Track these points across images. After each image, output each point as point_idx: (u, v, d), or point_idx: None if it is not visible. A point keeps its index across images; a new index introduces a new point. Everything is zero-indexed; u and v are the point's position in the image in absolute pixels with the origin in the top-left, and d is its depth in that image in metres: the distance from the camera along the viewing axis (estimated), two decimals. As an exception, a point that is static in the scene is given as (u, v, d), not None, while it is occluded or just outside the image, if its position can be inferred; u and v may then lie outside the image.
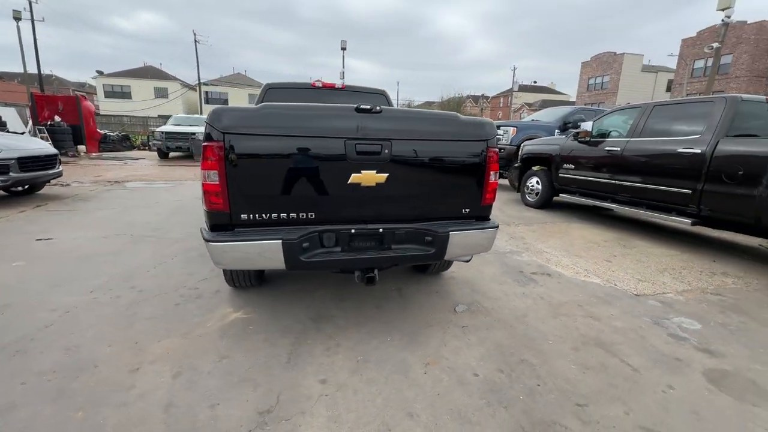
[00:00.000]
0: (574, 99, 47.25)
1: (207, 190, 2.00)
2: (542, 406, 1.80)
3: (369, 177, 2.14)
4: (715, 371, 2.12)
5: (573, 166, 5.85)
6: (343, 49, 22.92)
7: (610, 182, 5.19)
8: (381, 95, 4.23)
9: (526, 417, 1.73)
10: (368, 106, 2.08)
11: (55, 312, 2.51)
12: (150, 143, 18.36)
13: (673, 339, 2.45)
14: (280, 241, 1.99)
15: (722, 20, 11.12)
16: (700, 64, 30.56)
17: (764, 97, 4.22)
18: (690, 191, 4.17)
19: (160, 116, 27.98)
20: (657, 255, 4.20)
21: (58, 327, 2.33)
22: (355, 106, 2.09)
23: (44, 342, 2.16)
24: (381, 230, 2.22)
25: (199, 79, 33.86)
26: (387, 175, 2.15)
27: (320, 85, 4.06)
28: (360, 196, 2.17)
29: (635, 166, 4.87)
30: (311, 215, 2.15)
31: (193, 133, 12.91)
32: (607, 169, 5.24)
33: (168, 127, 14.12)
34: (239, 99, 38.64)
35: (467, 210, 2.40)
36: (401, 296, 2.93)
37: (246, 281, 2.81)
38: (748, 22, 27.78)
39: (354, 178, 2.12)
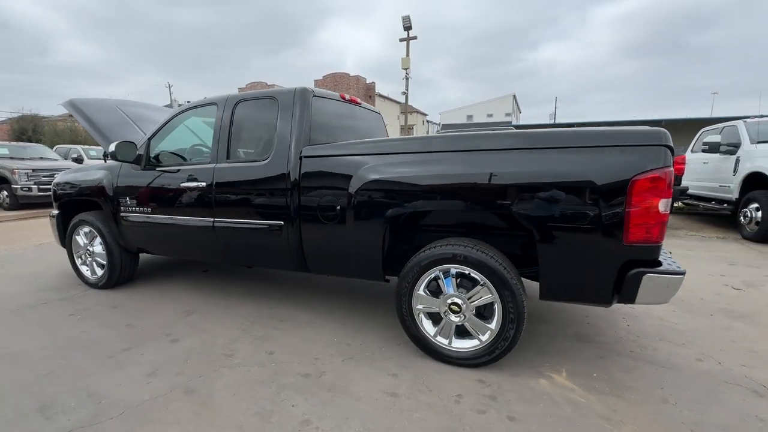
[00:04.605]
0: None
1: (662, 221, 1.75)
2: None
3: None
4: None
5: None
6: None
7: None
8: (379, 114, 3.82)
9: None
10: None
11: None
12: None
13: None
14: None
15: (405, 77, 16.56)
16: (330, 100, 41.28)
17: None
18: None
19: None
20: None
21: None
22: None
23: None
24: None
25: None
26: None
27: (348, 98, 3.19)
28: None
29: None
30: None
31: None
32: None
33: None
34: None
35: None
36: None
37: None
38: (351, 75, 40.43)
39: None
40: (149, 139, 3.13)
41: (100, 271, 3.51)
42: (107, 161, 3.48)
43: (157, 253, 3.39)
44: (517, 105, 64.47)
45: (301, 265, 2.63)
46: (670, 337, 2.56)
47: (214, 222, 2.80)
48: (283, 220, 2.54)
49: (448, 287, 2.17)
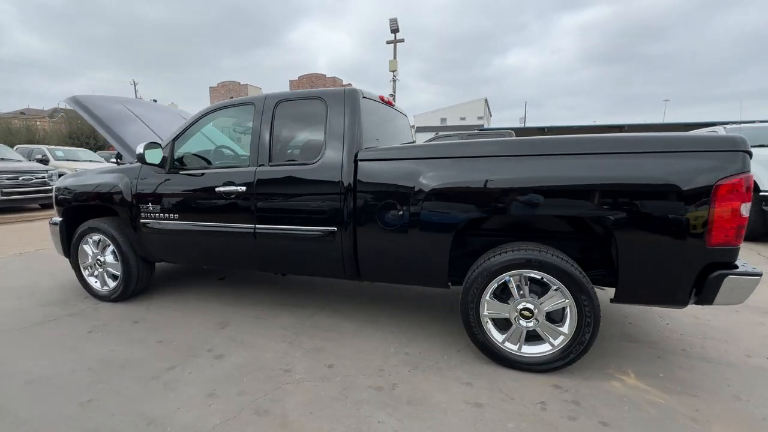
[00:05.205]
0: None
1: (742, 225, 1.81)
2: None
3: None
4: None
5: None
6: None
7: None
8: (406, 116, 3.76)
9: None
10: None
11: None
12: None
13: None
14: None
15: (392, 79, 16.54)
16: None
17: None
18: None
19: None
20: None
21: None
22: None
23: None
24: None
25: None
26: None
27: (386, 99, 3.11)
28: None
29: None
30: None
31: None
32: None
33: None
34: None
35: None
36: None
37: None
38: (327, 76, 40.12)
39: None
40: (173, 140, 2.91)
41: (112, 283, 3.23)
42: (119, 163, 3.22)
43: (183, 262, 3.17)
44: (489, 109, 66.20)
45: (354, 272, 2.52)
46: (711, 335, 2.66)
47: (255, 228, 2.64)
48: (335, 225, 2.44)
49: (519, 292, 2.14)
